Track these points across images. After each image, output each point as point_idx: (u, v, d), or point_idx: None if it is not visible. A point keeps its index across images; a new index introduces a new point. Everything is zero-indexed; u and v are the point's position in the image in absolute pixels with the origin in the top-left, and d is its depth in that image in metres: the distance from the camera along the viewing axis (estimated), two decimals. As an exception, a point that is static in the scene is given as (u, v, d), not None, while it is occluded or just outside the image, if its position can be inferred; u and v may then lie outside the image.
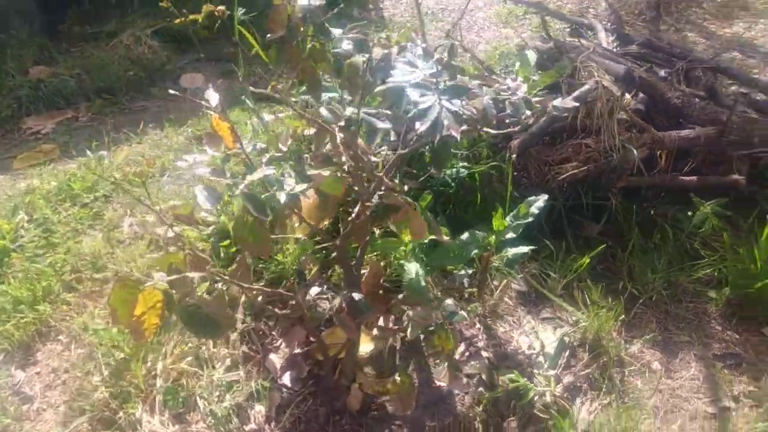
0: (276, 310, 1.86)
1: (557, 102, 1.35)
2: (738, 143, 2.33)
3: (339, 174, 1.56)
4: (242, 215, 1.62)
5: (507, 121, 1.41)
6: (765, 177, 2.43)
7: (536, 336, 1.94)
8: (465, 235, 1.82)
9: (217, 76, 4.04)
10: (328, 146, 1.63)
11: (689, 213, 2.19)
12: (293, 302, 2.03)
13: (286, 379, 1.88)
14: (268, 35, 1.67)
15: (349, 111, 1.51)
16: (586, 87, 2.17)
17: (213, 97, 1.66)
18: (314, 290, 2.12)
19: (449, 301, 1.59)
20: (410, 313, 1.61)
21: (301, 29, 1.58)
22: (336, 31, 1.69)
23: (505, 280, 2.11)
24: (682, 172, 2.38)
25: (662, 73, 2.64)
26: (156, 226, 2.46)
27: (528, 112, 1.32)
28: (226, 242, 2.17)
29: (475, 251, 1.79)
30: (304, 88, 1.90)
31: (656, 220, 2.32)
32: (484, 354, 1.90)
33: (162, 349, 1.88)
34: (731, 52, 3.71)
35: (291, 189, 1.69)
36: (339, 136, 1.47)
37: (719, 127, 2.30)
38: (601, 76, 2.22)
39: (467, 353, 1.92)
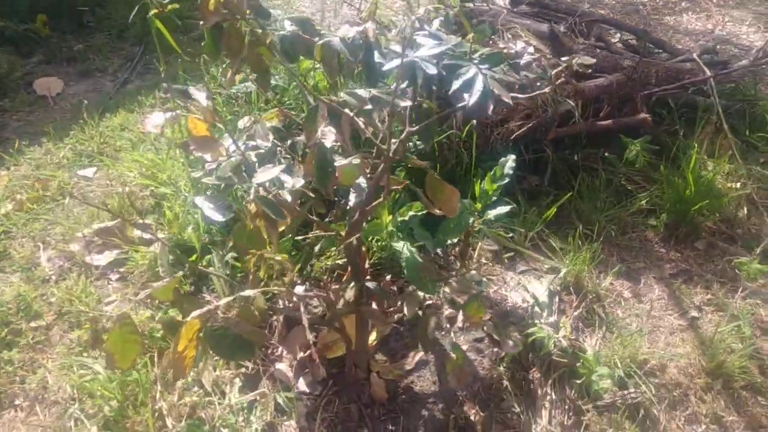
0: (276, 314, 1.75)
1: (577, 60, 1.40)
2: (639, 85, 2.62)
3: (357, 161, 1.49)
4: (241, 223, 1.49)
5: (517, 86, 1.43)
6: (655, 113, 2.75)
7: (525, 290, 2.04)
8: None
9: (77, 78, 3.58)
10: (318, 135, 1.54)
11: (606, 154, 2.43)
12: (289, 304, 1.93)
13: (302, 385, 1.78)
14: (201, 23, 1.51)
15: (362, 93, 1.44)
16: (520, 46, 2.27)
17: (200, 95, 1.48)
18: (299, 289, 2.03)
19: (474, 272, 1.61)
20: (446, 289, 1.61)
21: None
22: (274, 12, 1.59)
23: (479, 243, 2.19)
24: (598, 118, 2.62)
25: (562, 28, 2.85)
26: (85, 255, 2.17)
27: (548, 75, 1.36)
28: (194, 256, 1.96)
29: (471, 219, 1.82)
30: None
31: (585, 165, 2.53)
32: (485, 317, 1.96)
33: (155, 387, 1.68)
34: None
35: (292, 186, 1.59)
36: (359, 120, 1.40)
37: (625, 72, 2.55)
38: (528, 36, 2.34)
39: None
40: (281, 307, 1.94)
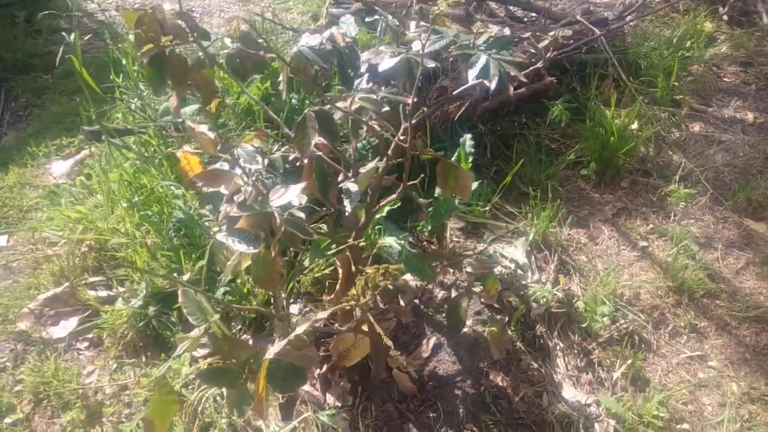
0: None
1: (561, 33, 1.51)
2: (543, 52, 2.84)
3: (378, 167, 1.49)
4: (261, 253, 1.45)
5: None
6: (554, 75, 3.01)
7: (503, 256, 2.16)
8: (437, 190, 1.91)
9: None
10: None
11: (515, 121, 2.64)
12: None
13: (332, 400, 1.76)
14: (140, 54, 1.45)
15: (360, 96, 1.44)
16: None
17: (202, 127, 1.40)
18: (294, 308, 2.00)
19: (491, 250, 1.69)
20: (468, 269, 1.66)
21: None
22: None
23: (448, 222, 2.27)
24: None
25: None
26: (40, 331, 1.94)
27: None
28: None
29: (457, 201, 1.90)
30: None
31: (513, 134, 2.71)
32: (476, 289, 2.05)
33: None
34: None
35: (299, 203, 1.56)
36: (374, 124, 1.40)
37: (528, 41, 2.76)
38: (449, 24, 2.44)
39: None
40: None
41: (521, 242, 2.18)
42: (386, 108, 1.40)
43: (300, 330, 1.26)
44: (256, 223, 1.35)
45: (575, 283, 2.12)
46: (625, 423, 1.69)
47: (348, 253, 1.91)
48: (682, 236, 2.27)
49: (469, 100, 2.47)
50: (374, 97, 1.39)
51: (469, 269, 1.67)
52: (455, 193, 1.51)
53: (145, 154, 2.11)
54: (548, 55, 1.51)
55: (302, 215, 1.50)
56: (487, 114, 2.75)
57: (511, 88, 1.29)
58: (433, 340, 1.91)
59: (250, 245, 1.33)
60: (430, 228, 1.88)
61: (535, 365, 1.84)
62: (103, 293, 2.03)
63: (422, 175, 1.82)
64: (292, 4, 4.16)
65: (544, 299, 1.93)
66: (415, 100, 1.45)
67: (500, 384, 1.80)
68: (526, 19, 3.24)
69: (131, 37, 1.35)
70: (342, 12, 3.13)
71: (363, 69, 1.58)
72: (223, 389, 1.63)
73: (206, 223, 1.96)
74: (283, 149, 1.75)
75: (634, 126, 2.75)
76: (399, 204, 2.09)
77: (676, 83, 3.05)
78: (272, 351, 1.20)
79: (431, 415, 1.73)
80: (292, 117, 2.33)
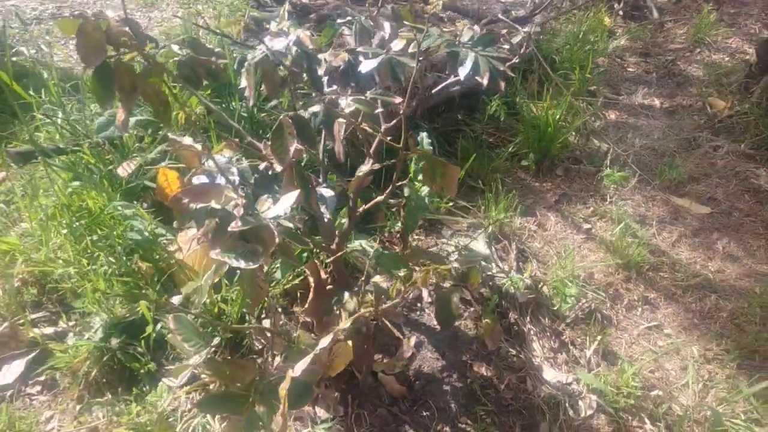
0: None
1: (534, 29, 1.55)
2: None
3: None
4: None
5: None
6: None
7: (467, 249, 2.21)
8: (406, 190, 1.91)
9: None
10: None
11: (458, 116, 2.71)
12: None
13: (322, 413, 1.70)
14: (84, 66, 1.37)
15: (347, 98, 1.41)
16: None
17: (186, 139, 1.31)
18: (266, 323, 1.92)
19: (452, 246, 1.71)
20: (457, 258, 1.68)
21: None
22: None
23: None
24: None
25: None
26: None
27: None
28: (149, 328, 1.69)
29: (428, 197, 1.91)
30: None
31: (452, 130, 2.77)
32: (445, 284, 2.08)
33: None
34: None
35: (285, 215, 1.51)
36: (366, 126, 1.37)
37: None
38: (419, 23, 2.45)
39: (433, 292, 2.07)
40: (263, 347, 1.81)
41: (481, 235, 2.24)
42: (380, 109, 1.39)
43: (324, 344, 1.21)
44: (254, 236, 1.29)
45: (535, 269, 2.21)
46: (606, 397, 1.78)
47: (316, 261, 1.87)
48: (621, 216, 2.43)
49: (417, 98, 2.50)
50: (367, 98, 1.37)
51: (455, 264, 1.69)
52: (441, 189, 1.52)
53: (84, 173, 1.94)
54: (522, 50, 1.55)
55: (291, 225, 1.45)
56: (426, 112, 2.80)
57: (502, 84, 1.31)
58: (413, 340, 1.91)
59: (249, 261, 1.26)
60: (405, 228, 1.88)
61: (514, 351, 1.90)
62: (48, 330, 1.83)
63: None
64: (201, 9, 3.98)
65: (516, 287, 1.99)
66: (401, 100, 1.45)
67: (485, 374, 1.83)
68: (447, 20, 3.32)
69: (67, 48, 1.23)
70: (268, 16, 3.05)
71: (321, 71, 1.55)
72: (220, 416, 1.54)
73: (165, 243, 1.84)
74: (245, 159, 1.68)
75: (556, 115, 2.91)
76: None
77: (589, 75, 3.27)
78: (298, 368, 1.14)
79: (425, 413, 1.73)
80: (252, 126, 2.24)
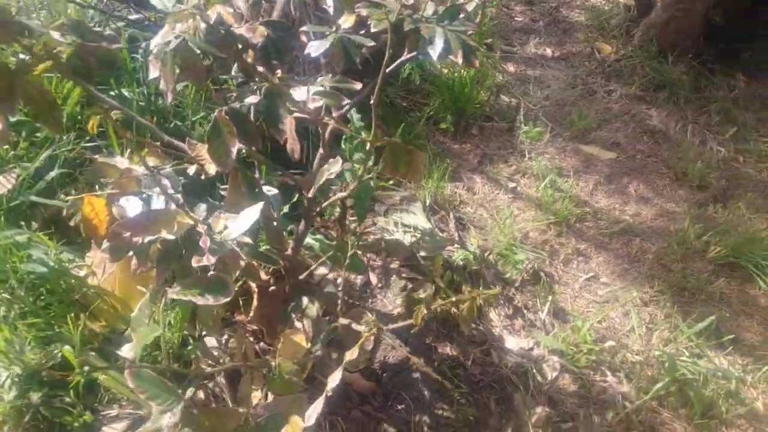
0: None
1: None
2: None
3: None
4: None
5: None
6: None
7: (407, 226, 2.12)
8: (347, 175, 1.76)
9: None
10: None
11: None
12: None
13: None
14: None
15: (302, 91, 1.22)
16: None
17: (117, 159, 1.06)
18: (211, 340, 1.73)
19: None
20: (424, 244, 1.58)
21: None
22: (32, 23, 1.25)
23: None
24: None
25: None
26: None
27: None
28: (77, 377, 1.43)
29: (372, 183, 1.78)
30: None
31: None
32: (393, 265, 1.99)
33: None
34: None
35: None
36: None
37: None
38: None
39: (382, 276, 1.97)
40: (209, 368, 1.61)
41: (418, 207, 2.16)
42: (346, 101, 1.22)
43: (334, 383, 1.07)
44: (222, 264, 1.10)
45: (474, 236, 2.18)
46: (567, 356, 1.82)
47: (253, 263, 1.69)
48: (543, 172, 2.47)
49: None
50: (331, 90, 1.19)
51: (423, 253, 1.60)
52: (404, 177, 1.40)
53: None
54: (478, 19, 1.44)
55: (251, 241, 1.27)
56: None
57: (477, 62, 1.20)
58: (347, 320, 1.81)
59: (219, 295, 1.07)
60: (357, 216, 1.74)
61: (473, 325, 1.87)
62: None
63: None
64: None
65: (465, 259, 1.95)
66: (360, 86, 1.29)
67: (451, 353, 1.79)
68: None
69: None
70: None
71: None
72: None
73: (77, 271, 1.55)
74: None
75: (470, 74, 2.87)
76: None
77: (484, 28, 3.24)
78: (311, 416, 1.00)
79: (399, 407, 1.66)
80: (153, 117, 1.94)
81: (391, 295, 1.92)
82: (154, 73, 1.32)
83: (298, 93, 1.25)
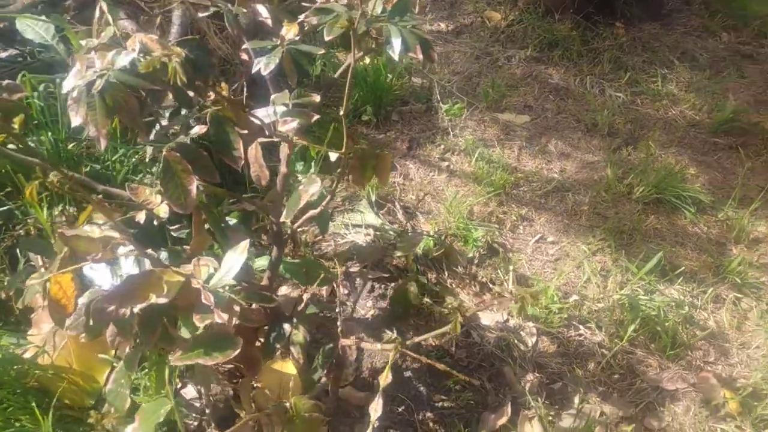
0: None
1: None
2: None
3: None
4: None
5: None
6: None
7: (358, 226, 2.09)
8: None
9: None
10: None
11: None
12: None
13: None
14: None
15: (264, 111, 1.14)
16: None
17: (91, 227, 0.95)
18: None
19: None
20: (399, 244, 1.55)
21: None
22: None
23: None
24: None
25: None
26: None
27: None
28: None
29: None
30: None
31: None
32: (353, 269, 1.95)
33: None
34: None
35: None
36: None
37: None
38: None
39: (346, 282, 1.93)
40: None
41: (365, 205, 2.13)
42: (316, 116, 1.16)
43: (376, 414, 1.03)
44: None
45: (425, 222, 2.19)
46: (540, 320, 1.89)
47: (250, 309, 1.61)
48: (470, 146, 2.52)
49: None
50: (298, 108, 1.13)
51: (399, 253, 1.57)
52: (370, 180, 1.37)
53: None
54: (417, 9, 1.41)
55: (244, 283, 1.20)
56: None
57: (435, 54, 1.18)
58: (352, 341, 1.78)
59: (227, 350, 1.00)
60: (320, 230, 1.68)
61: (447, 303, 1.89)
62: None
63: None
64: None
65: (426, 247, 1.96)
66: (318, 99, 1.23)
67: (434, 343, 1.80)
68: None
69: None
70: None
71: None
72: None
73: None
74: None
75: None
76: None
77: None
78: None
79: (400, 409, 1.65)
80: (62, 163, 1.76)
81: (361, 300, 1.89)
82: (77, 119, 1.20)
83: (261, 114, 1.18)
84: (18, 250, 1.61)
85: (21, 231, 1.64)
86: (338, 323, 1.33)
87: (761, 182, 2.48)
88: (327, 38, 1.16)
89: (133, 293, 0.94)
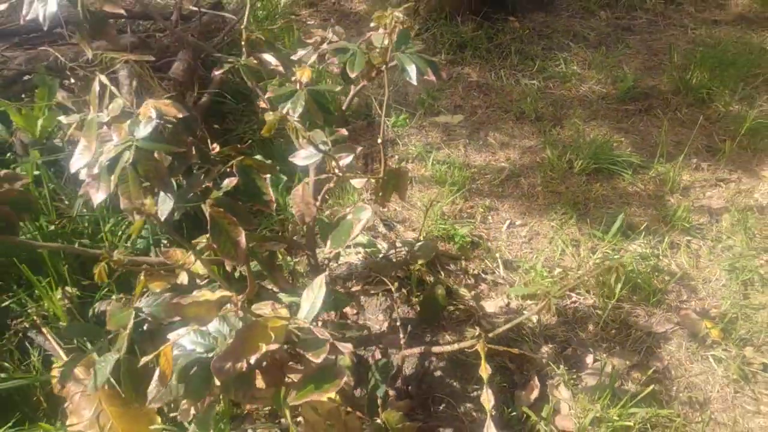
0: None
1: None
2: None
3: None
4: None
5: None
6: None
7: (348, 246, 2.14)
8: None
9: None
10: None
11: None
12: None
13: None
14: None
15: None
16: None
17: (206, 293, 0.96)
18: None
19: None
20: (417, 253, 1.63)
21: None
22: None
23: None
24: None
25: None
26: None
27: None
28: None
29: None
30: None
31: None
32: (354, 289, 2.01)
33: None
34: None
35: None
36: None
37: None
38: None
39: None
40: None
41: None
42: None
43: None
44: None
45: (405, 231, 2.29)
46: (537, 296, 2.05)
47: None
48: (421, 152, 2.65)
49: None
50: (343, 144, 1.18)
51: (420, 261, 1.65)
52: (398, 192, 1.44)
53: None
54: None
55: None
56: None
57: (444, 73, 1.28)
58: (377, 354, 1.84)
59: (335, 379, 1.05)
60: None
61: (452, 308, 2.00)
62: None
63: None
64: None
65: (419, 250, 2.05)
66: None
67: (450, 340, 1.90)
68: (142, 29, 2.88)
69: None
70: None
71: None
72: None
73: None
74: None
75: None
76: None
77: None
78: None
79: (441, 407, 1.73)
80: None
81: (371, 315, 1.95)
82: (99, 195, 1.20)
83: (304, 155, 1.23)
84: (28, 343, 1.52)
85: (25, 323, 1.55)
86: (401, 336, 1.39)
87: (673, 137, 2.82)
88: (352, 75, 1.24)
89: (244, 346, 0.96)
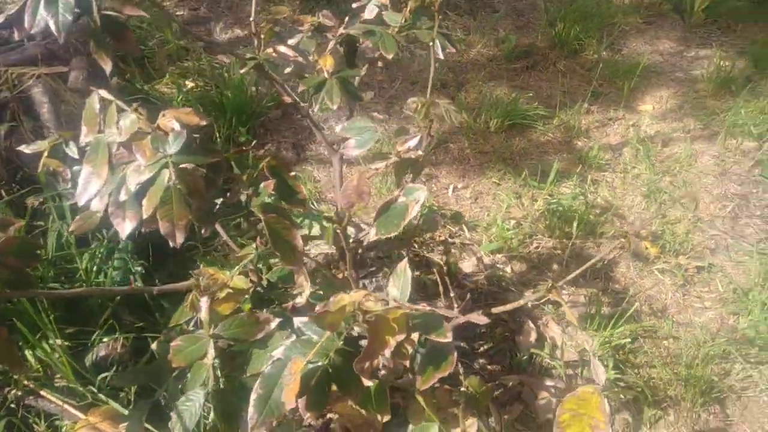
0: None
1: None
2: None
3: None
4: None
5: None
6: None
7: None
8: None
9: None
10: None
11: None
12: None
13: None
14: None
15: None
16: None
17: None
18: None
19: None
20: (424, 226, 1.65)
21: None
22: None
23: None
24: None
25: None
26: None
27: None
28: None
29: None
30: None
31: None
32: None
33: None
34: None
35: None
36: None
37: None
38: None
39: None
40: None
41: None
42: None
43: None
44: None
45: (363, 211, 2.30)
46: (503, 248, 2.19)
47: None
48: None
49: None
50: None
51: (428, 234, 1.68)
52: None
53: None
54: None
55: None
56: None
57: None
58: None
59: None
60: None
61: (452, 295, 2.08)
62: None
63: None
64: None
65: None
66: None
67: (444, 305, 1.98)
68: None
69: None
70: None
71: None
72: None
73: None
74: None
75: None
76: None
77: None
78: None
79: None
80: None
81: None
82: (129, 224, 1.12)
83: (353, 144, 1.21)
84: (26, 412, 1.31)
85: (16, 391, 1.33)
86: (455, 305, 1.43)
87: (560, 87, 3.12)
88: (388, 56, 1.23)
89: (374, 344, 0.95)
